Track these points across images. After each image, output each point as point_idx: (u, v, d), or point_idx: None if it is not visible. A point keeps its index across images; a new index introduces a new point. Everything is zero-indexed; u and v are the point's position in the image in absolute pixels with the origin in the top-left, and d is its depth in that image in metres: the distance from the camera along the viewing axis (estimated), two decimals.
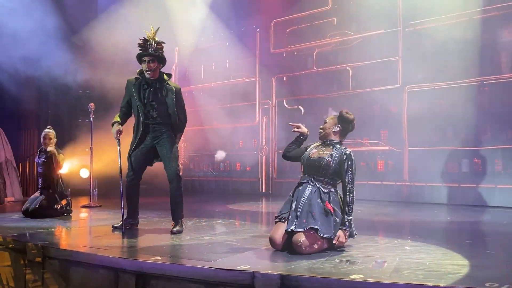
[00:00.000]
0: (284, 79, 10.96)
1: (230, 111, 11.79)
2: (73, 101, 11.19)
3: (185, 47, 12.52)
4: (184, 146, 12.60)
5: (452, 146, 8.57)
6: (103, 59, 9.95)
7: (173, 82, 5.15)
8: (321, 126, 4.23)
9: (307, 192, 3.98)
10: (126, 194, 5.05)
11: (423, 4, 9.02)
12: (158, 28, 4.99)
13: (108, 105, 9.19)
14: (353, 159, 4.00)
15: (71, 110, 11.30)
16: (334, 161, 3.98)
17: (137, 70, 5.03)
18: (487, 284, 2.71)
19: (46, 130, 6.70)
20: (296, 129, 4.34)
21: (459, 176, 8.44)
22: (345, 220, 3.87)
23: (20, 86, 10.10)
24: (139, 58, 4.91)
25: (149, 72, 4.87)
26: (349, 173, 3.95)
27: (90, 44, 10.24)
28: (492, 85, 8.27)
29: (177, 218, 4.98)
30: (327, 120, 4.23)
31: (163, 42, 5.00)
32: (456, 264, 3.34)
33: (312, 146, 4.24)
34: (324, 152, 4.06)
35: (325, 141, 4.18)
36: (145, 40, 4.90)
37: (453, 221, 6.51)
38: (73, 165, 10.49)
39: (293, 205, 3.98)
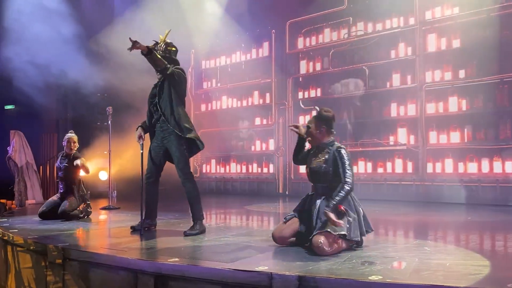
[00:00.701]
0: (300, 79, 10.94)
1: (246, 112, 11.81)
2: (91, 104, 11.32)
3: (200, 49, 12.59)
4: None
5: (471, 145, 8.45)
6: (121, 62, 10.05)
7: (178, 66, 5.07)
8: (307, 136, 4.19)
9: (317, 202, 4.00)
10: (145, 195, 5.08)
11: (439, 2, 8.93)
12: (169, 30, 5.03)
13: (126, 108, 9.29)
14: (344, 154, 3.94)
15: (90, 113, 11.44)
16: (329, 165, 3.96)
17: None
18: (509, 285, 2.66)
19: (69, 134, 6.67)
20: (293, 129, 4.30)
21: (479, 175, 8.32)
22: (331, 203, 3.78)
23: (39, 90, 10.27)
24: None
25: (157, 75, 4.93)
26: (344, 169, 3.90)
27: (108, 48, 10.35)
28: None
29: (193, 219, 4.95)
30: (310, 125, 4.16)
31: (174, 46, 5.02)
32: (477, 265, 3.29)
33: (310, 153, 4.24)
34: (320, 159, 4.05)
35: (317, 145, 4.14)
36: (156, 43, 4.95)
37: (473, 221, 6.42)
38: (92, 168, 10.62)
39: (307, 217, 4.02)
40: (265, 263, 3.28)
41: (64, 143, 6.64)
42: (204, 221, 5.01)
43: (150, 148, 5.08)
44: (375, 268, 3.18)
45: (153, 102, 4.99)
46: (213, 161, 12.53)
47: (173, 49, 5.03)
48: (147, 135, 5.13)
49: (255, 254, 3.80)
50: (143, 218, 5.07)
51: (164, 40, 4.98)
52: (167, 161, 5.13)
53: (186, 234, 4.74)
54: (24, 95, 9.98)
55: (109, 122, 8.04)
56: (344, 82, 10.03)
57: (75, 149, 6.60)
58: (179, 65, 5.06)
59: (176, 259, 3.49)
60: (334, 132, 4.16)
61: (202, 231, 4.89)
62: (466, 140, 8.54)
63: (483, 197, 8.16)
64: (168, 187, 4.95)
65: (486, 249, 3.91)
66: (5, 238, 4.90)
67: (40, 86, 10.11)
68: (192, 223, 4.92)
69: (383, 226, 5.89)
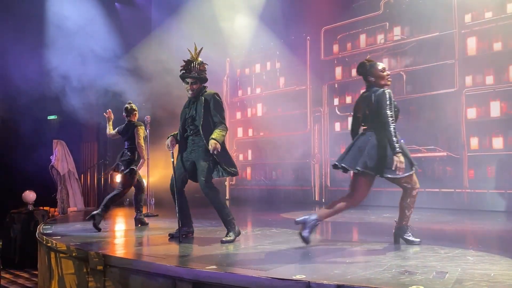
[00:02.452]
0: (336, 86, 10.87)
1: (281, 120, 11.82)
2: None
3: (236, 57, 12.71)
4: (236, 155, 12.73)
5: None
6: (159, 73, 10.25)
7: (210, 89, 5.09)
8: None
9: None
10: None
11: (478, 4, 8.71)
12: (201, 48, 5.06)
13: (165, 117, 9.45)
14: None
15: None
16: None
17: None
18: None
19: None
20: None
21: None
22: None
23: (81, 100, 10.59)
24: (183, 78, 5.02)
25: (191, 93, 4.98)
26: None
27: (146, 59, 10.58)
28: None
29: (225, 225, 4.99)
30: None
31: (206, 64, 5.05)
32: None
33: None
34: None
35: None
36: (189, 62, 4.97)
37: None
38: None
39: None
40: (302, 272, 3.26)
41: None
42: (236, 223, 5.02)
43: (177, 159, 5.14)
44: (416, 278, 3.10)
45: (188, 120, 5.04)
46: (248, 169, 12.57)
47: (204, 65, 5.03)
48: (177, 146, 5.20)
49: (293, 263, 3.78)
50: (181, 226, 5.15)
51: (197, 59, 5.01)
52: (189, 179, 5.18)
53: (223, 242, 4.77)
54: (66, 106, 10.31)
55: (147, 130, 8.19)
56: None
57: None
58: (207, 81, 5.10)
59: (214, 267, 3.51)
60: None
61: (238, 234, 4.94)
62: (509, 146, 8.26)
63: None
64: (203, 195, 4.98)
65: None
66: (49, 244, 5.05)
67: (81, 96, 10.42)
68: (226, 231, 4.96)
69: (423, 234, 5.75)
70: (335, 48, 10.90)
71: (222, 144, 4.82)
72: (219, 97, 5.01)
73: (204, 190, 4.90)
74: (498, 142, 8.39)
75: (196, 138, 4.98)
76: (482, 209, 8.27)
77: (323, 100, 10.96)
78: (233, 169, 4.92)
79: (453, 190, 8.80)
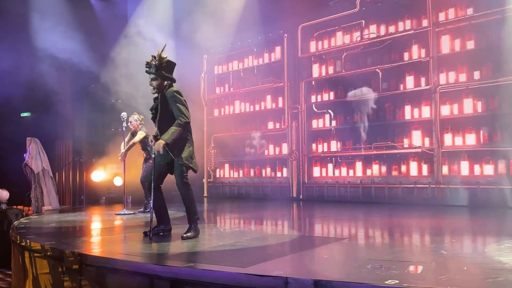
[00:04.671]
0: (313, 83, 10.93)
1: (259, 116, 11.84)
2: (106, 110, 11.44)
3: (213, 54, 12.66)
4: (214, 152, 12.70)
5: (487, 147, 8.35)
6: (134, 69, 10.14)
7: (173, 87, 5.05)
8: None
9: None
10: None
11: (452, 3, 8.87)
12: (165, 45, 5.03)
13: (141, 113, 9.35)
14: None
15: (105, 120, 11.55)
16: None
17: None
18: None
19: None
20: None
21: (496, 178, 8.21)
22: None
23: (53, 98, 10.42)
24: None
25: (152, 89, 5.01)
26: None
27: (122, 55, 10.46)
28: None
29: (189, 223, 5.03)
30: None
31: (167, 61, 4.99)
32: (495, 269, 3.25)
33: None
34: None
35: None
36: (153, 58, 4.98)
37: (491, 223, 6.33)
38: (107, 174, 10.73)
39: None
40: (280, 268, 3.28)
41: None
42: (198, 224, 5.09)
43: (154, 156, 5.11)
44: (392, 273, 3.15)
45: (153, 118, 5.06)
46: (226, 166, 12.56)
47: (165, 60, 4.98)
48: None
49: (271, 259, 3.79)
50: (157, 224, 5.15)
51: (160, 55, 4.99)
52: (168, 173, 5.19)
53: (183, 238, 4.82)
54: (40, 103, 10.12)
55: (123, 127, 8.10)
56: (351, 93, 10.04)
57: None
58: (174, 81, 5.06)
59: (192, 264, 3.50)
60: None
61: (197, 233, 4.98)
62: (482, 142, 8.44)
63: (499, 200, 8.05)
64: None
65: (504, 253, 3.85)
66: (23, 244, 4.96)
67: (55, 93, 10.25)
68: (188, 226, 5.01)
69: (398, 229, 5.84)
70: (312, 45, 10.95)
71: (182, 139, 4.89)
72: (179, 93, 4.97)
73: (179, 184, 4.95)
74: (471, 139, 8.57)
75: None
76: (456, 204, 8.44)
77: (301, 97, 11.01)
78: (186, 162, 4.90)
79: (427, 185, 8.95)
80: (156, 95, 5.07)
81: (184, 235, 4.87)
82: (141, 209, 8.16)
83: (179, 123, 4.84)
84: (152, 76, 4.96)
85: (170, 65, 5.05)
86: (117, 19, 11.65)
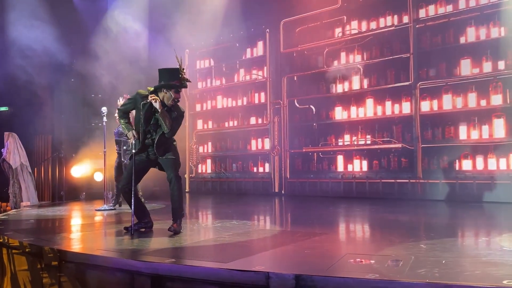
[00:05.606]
0: (295, 78, 10.95)
1: (241, 112, 11.81)
2: (86, 105, 11.30)
3: (195, 48, 12.59)
4: (196, 147, 12.65)
5: (466, 142, 8.48)
6: (114, 63, 10.03)
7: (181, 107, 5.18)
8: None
9: None
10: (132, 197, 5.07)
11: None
12: (181, 57, 5.07)
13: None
14: None
15: (85, 114, 11.41)
16: None
17: (149, 88, 5.06)
18: (505, 282, 2.68)
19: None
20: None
21: (474, 173, 8.35)
22: None
23: (32, 92, 10.24)
24: (184, 87, 5.08)
25: (173, 102, 4.99)
26: None
27: (102, 49, 10.32)
28: (506, 79, 8.15)
29: (175, 217, 5.01)
30: None
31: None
32: (473, 262, 3.31)
33: None
34: None
35: None
36: (180, 72, 4.99)
37: (469, 218, 6.45)
38: (87, 169, 10.60)
39: None
40: (262, 263, 3.29)
41: None
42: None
43: (134, 158, 5.06)
44: (372, 266, 3.19)
45: (153, 126, 5.01)
46: (208, 161, 12.52)
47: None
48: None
49: (252, 254, 3.80)
50: (138, 220, 5.13)
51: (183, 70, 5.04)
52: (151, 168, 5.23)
53: (170, 230, 4.86)
54: (18, 97, 9.94)
55: (104, 122, 8.01)
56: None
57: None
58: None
59: (173, 260, 3.48)
60: None
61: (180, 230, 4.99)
62: (461, 138, 8.57)
63: (478, 194, 8.20)
64: (164, 188, 4.96)
65: (481, 246, 3.92)
66: (0, 240, 4.88)
67: (33, 87, 10.08)
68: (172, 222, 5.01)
69: (378, 224, 5.91)
70: (294, 40, 10.96)
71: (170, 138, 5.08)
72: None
73: (170, 179, 4.95)
74: (450, 134, 8.69)
75: (162, 138, 4.98)
76: (435, 198, 8.57)
77: (283, 92, 11.02)
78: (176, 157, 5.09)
79: (407, 180, 9.06)
80: (146, 93, 5.00)
81: (173, 228, 4.87)
82: (111, 205, 8.11)
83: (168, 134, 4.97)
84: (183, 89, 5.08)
85: None
86: (96, 12, 11.47)
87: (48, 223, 6.22)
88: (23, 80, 9.75)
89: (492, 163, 8.19)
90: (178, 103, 5.10)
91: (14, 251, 4.57)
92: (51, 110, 10.98)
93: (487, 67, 8.32)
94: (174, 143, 5.12)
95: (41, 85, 10.34)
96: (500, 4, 8.22)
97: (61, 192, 10.50)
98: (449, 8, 8.78)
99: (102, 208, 7.89)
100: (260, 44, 11.54)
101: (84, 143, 10.49)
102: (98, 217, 7.02)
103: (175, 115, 5.00)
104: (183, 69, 5.04)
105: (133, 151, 5.03)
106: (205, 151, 12.58)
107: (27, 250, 4.37)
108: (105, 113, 7.95)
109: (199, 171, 12.66)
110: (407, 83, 9.15)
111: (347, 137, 9.95)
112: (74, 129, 11.04)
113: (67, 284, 3.92)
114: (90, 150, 10.16)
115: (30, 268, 4.35)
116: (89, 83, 10.63)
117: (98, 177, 10.32)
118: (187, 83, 5.06)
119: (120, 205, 8.19)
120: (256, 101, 11.54)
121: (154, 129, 4.99)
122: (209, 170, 12.49)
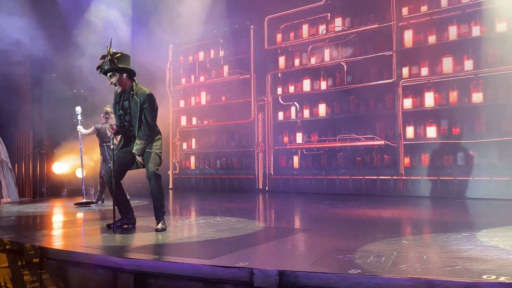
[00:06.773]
0: (279, 75, 10.96)
1: (225, 108, 11.79)
2: (66, 101, 11.14)
3: (178, 45, 12.52)
4: (180, 144, 12.59)
5: (447, 139, 8.59)
6: (96, 57, 9.90)
7: (142, 87, 5.02)
8: None
9: None
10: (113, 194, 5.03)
11: None
12: (111, 39, 4.92)
13: (100, 104, 9.18)
14: None
15: (66, 110, 11.25)
16: None
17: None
18: (484, 277, 2.72)
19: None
20: None
21: (455, 170, 8.47)
22: None
23: (12, 87, 10.06)
24: (104, 74, 4.94)
25: (114, 86, 4.92)
26: None
27: (80, 44, 10.20)
28: (486, 77, 8.27)
29: (158, 216, 4.97)
30: None
31: (119, 53, 4.88)
32: (453, 257, 3.35)
33: None
34: None
35: None
36: (102, 57, 4.88)
37: (450, 214, 6.53)
38: (68, 166, 10.48)
39: None
40: (245, 259, 3.29)
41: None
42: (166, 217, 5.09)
43: (117, 148, 5.02)
44: (354, 262, 3.21)
45: (122, 116, 4.97)
46: (192, 158, 12.48)
47: (118, 55, 4.86)
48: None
49: (236, 250, 3.80)
50: (122, 216, 5.09)
51: (109, 51, 4.87)
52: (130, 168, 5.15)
53: (158, 230, 4.81)
54: None
55: (79, 119, 7.96)
56: None
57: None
58: (134, 73, 4.99)
59: (156, 257, 3.47)
60: None
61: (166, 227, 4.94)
62: (442, 135, 8.68)
63: (459, 190, 8.31)
64: (146, 185, 4.92)
65: (462, 242, 3.98)
66: None
67: (12, 83, 9.91)
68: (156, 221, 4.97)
69: (361, 220, 5.96)
70: (279, 37, 10.96)
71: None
72: (153, 98, 4.93)
73: (148, 176, 4.88)
74: (431, 131, 8.79)
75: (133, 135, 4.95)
76: (417, 195, 8.68)
77: (267, 89, 11.02)
78: (158, 151, 4.98)
79: (390, 177, 9.16)
80: (118, 89, 4.95)
81: (159, 227, 4.82)
82: (94, 200, 8.07)
83: (146, 134, 4.84)
84: (110, 73, 4.86)
85: (124, 58, 4.92)
86: (79, 5, 11.31)
87: (29, 220, 6.14)
88: (2, 74, 9.57)
89: (473, 160, 8.32)
90: (140, 87, 4.96)
91: None
92: (32, 106, 10.80)
93: (468, 65, 8.43)
94: (158, 136, 5.01)
95: (21, 80, 10.18)
96: (481, 3, 8.33)
97: (42, 188, 10.36)
98: (432, 6, 8.87)
99: (80, 202, 7.84)
100: (244, 40, 11.52)
101: (66, 139, 10.36)
102: (80, 214, 6.95)
103: (132, 108, 4.88)
104: (103, 55, 4.89)
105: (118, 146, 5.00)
106: (189, 147, 12.53)
107: (7, 247, 4.30)
108: (79, 113, 7.94)
109: (183, 167, 12.61)
110: (390, 81, 9.23)
111: (330, 134, 9.99)
112: (55, 125, 10.87)
113: (48, 281, 3.87)
114: (71, 147, 10.03)
115: (10, 265, 4.28)
116: (71, 78, 10.48)
117: (80, 173, 10.19)
118: (111, 59, 4.84)
119: (103, 202, 8.13)
120: (240, 98, 11.52)
121: (125, 119, 4.98)
122: (193, 167, 12.45)
